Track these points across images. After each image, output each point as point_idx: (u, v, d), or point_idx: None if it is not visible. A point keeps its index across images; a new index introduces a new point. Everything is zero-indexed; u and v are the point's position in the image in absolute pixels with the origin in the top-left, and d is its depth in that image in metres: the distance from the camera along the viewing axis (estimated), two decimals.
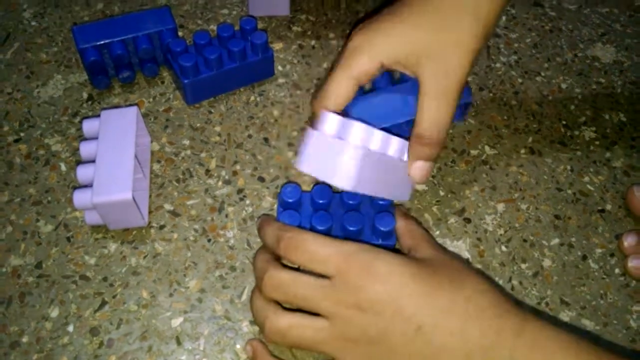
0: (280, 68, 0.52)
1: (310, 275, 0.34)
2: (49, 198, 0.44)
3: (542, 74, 0.54)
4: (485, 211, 0.44)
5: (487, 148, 0.48)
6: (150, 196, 0.44)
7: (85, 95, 0.50)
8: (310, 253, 0.33)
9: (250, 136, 0.48)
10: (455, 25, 0.38)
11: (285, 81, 0.52)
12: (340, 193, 0.40)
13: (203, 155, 0.46)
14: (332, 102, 0.39)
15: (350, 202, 0.40)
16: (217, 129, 0.48)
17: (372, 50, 0.38)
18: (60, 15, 0.56)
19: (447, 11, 0.38)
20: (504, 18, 0.58)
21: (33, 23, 0.55)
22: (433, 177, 0.46)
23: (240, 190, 0.45)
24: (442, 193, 0.45)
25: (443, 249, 0.37)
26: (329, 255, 0.33)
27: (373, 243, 0.37)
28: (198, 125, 0.48)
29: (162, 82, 0.51)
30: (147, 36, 0.48)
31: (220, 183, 0.45)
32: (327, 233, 0.38)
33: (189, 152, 0.47)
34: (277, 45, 0.54)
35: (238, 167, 0.46)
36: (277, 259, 0.36)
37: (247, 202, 0.44)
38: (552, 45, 0.56)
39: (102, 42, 0.47)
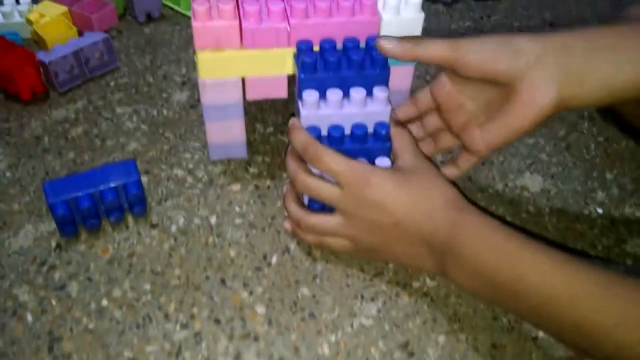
0: (237, 209, 0.57)
1: (329, 183, 0.48)
2: (14, 349, 0.46)
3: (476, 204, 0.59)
4: (427, 344, 0.48)
5: (427, 280, 0.52)
6: (110, 344, 0.46)
7: (53, 244, 0.53)
8: (326, 165, 0.47)
9: (207, 277, 0.51)
10: None
11: (242, 222, 0.56)
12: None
13: (162, 299, 0.50)
14: None
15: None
16: (177, 272, 0.52)
17: None
18: (34, 165, 0.61)
19: None
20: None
21: (7, 174, 0.60)
22: (378, 311, 0.49)
23: (197, 334, 0.47)
24: (387, 327, 0.49)
25: (422, 156, 0.50)
26: (340, 171, 0.47)
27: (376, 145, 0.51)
28: (159, 269, 0.52)
29: (127, 227, 0.55)
30: (113, 189, 0.53)
31: (178, 327, 0.48)
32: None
33: (149, 296, 0.50)
34: (234, 187, 0.59)
35: (195, 310, 0.49)
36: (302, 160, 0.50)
37: (203, 345, 0.47)
38: (485, 177, 0.62)
39: (70, 197, 0.52)
